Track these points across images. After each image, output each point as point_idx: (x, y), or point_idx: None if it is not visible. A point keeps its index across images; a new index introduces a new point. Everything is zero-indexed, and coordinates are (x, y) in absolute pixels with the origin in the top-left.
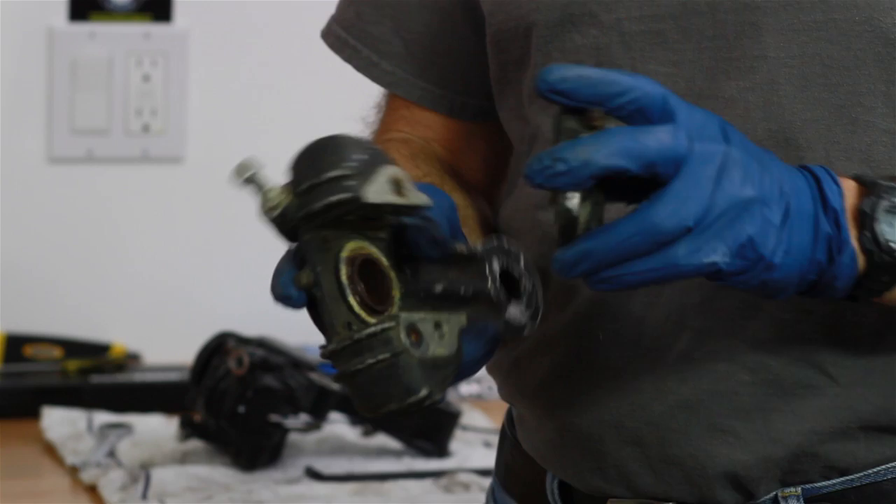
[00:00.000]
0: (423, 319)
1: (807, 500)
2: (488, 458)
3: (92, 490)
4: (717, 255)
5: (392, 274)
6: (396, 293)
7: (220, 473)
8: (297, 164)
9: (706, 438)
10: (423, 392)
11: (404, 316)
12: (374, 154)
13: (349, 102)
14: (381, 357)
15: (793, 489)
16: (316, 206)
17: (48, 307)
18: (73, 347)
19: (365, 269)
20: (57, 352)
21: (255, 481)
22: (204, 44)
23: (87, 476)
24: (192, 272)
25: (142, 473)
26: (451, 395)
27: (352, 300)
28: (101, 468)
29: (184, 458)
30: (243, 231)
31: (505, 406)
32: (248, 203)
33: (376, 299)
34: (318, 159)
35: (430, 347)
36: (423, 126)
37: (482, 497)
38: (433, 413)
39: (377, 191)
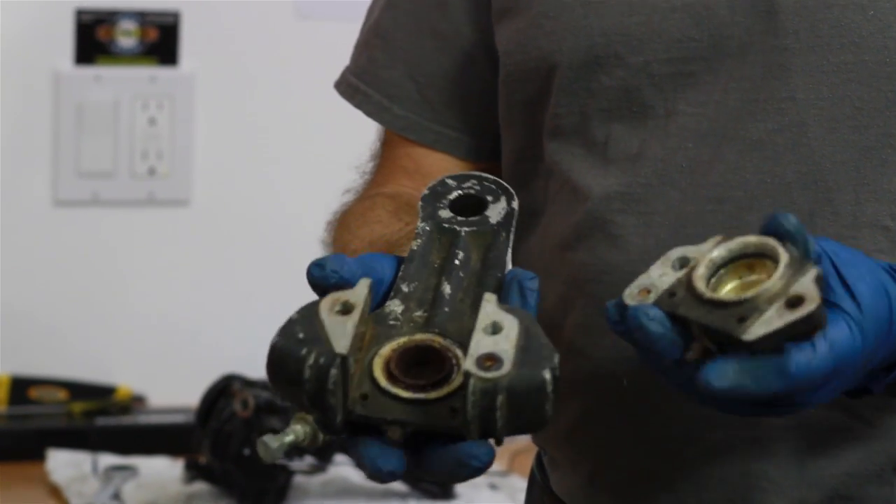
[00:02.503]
0: (478, 339)
1: None
2: (493, 500)
3: None
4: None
5: (421, 338)
6: (436, 340)
7: None
8: (279, 389)
9: (741, 484)
10: (547, 374)
11: (469, 361)
12: (303, 314)
13: (355, 146)
14: (499, 403)
15: None
16: (334, 403)
17: (54, 349)
18: (78, 390)
19: (411, 359)
20: (62, 394)
21: None
22: (210, 87)
23: None
24: (197, 314)
25: None
26: None
27: (435, 394)
28: None
29: (189, 501)
30: (248, 273)
31: (510, 448)
32: (253, 246)
33: (438, 367)
34: (284, 372)
35: (504, 350)
36: (423, 174)
37: None
38: None
39: (338, 334)
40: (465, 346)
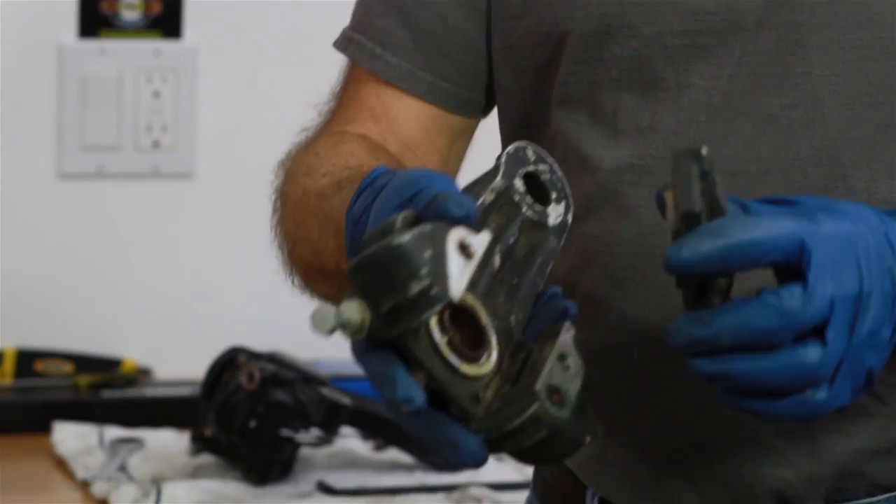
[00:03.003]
0: (551, 367)
1: None
2: (500, 473)
3: None
4: (846, 397)
5: (474, 304)
6: (483, 316)
7: (232, 488)
8: (365, 278)
9: (751, 458)
10: (588, 440)
11: (540, 385)
12: (434, 233)
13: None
14: (538, 436)
15: None
16: (413, 325)
17: (59, 322)
18: (83, 362)
19: (452, 315)
20: (68, 367)
21: (266, 496)
22: (214, 60)
23: (98, 490)
24: (202, 287)
25: (153, 488)
26: None
27: (466, 369)
28: (113, 483)
29: (195, 473)
30: (254, 246)
31: None
32: (258, 218)
33: (472, 338)
34: (390, 273)
35: (570, 391)
36: (390, 119)
37: None
38: None
39: (457, 277)
40: (496, 332)
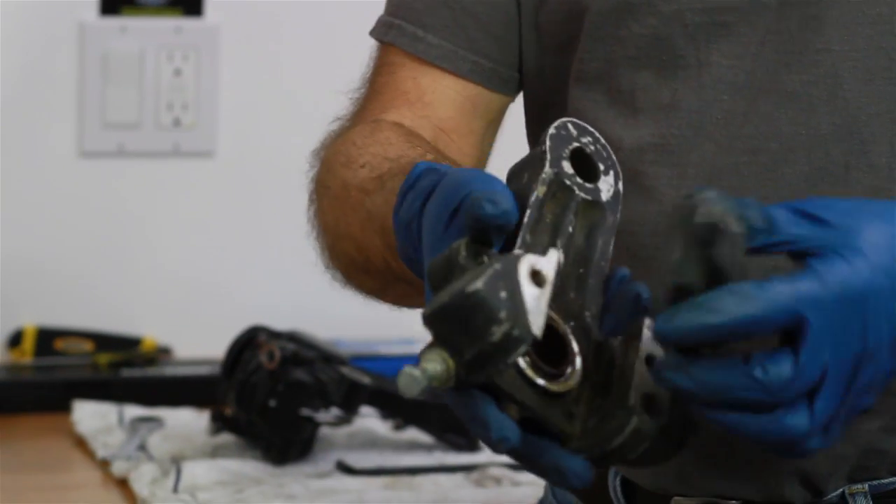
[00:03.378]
0: (640, 374)
1: (874, 496)
2: None
3: (123, 483)
4: (838, 433)
5: (552, 316)
6: (561, 325)
7: (251, 467)
8: (445, 329)
9: None
10: (689, 437)
11: (633, 398)
12: (505, 269)
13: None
14: (640, 448)
15: (860, 486)
16: (498, 370)
17: (79, 301)
18: (103, 341)
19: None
20: (88, 345)
21: (286, 475)
22: (235, 38)
23: (117, 469)
24: (223, 266)
25: (172, 467)
26: None
27: (556, 388)
28: (132, 462)
29: (215, 452)
30: (274, 225)
31: None
32: (279, 197)
33: (551, 348)
34: (469, 321)
35: (663, 395)
36: (425, 103)
37: (514, 491)
38: None
39: (535, 311)
40: (574, 335)
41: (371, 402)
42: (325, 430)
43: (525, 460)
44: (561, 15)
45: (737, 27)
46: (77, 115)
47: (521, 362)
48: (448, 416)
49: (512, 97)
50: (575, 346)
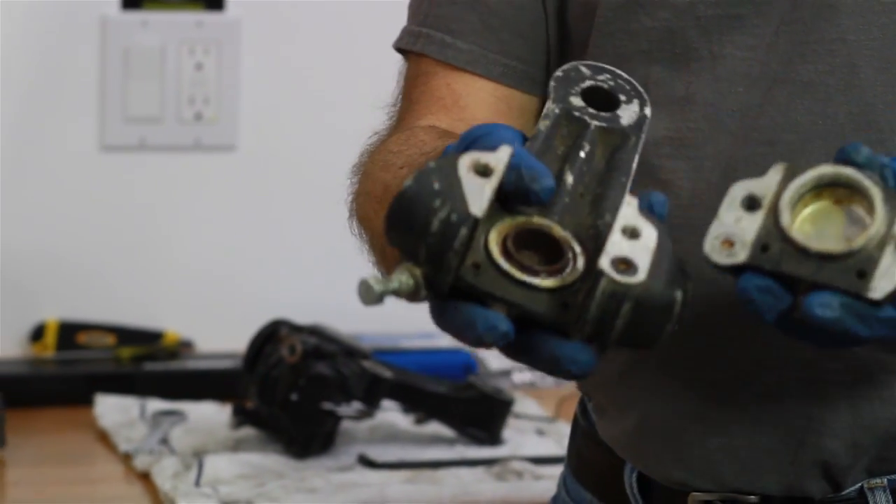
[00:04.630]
0: (615, 239)
1: (893, 490)
2: (541, 447)
3: (145, 477)
4: None
5: (541, 222)
6: (557, 229)
7: (273, 461)
8: (396, 236)
9: (795, 427)
10: (679, 296)
11: (604, 260)
12: (441, 164)
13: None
14: (623, 311)
15: (879, 480)
16: (451, 263)
17: (101, 295)
18: (126, 335)
19: (523, 240)
20: (110, 339)
21: (307, 469)
22: (256, 32)
23: (140, 463)
24: (244, 260)
25: (195, 461)
26: (504, 383)
27: (547, 283)
28: (154, 455)
29: (236, 446)
30: (296, 218)
31: (557, 394)
32: (300, 191)
33: (553, 252)
34: (409, 220)
35: (640, 257)
36: (461, 107)
37: (535, 485)
38: (486, 401)
39: (475, 195)
40: (581, 241)
41: (392, 396)
42: (346, 424)
43: (522, 355)
44: (580, 9)
45: (750, 18)
46: (98, 109)
47: (504, 264)
48: (470, 409)
49: (544, 98)
50: (577, 247)
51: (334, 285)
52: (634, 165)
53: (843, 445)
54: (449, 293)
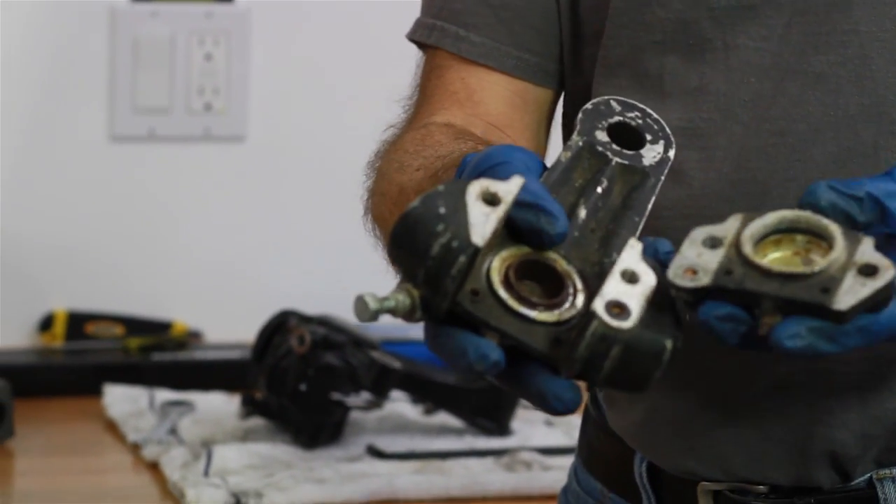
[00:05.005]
0: (611, 284)
1: None
2: (550, 437)
3: (153, 467)
4: None
5: (545, 256)
6: (561, 263)
7: (282, 451)
8: (397, 255)
9: (804, 418)
10: (668, 344)
11: (598, 302)
12: (449, 189)
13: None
14: (613, 354)
15: (888, 471)
16: (448, 288)
17: (110, 285)
18: (134, 325)
19: (524, 271)
20: (118, 329)
21: (316, 459)
22: (266, 22)
23: (148, 453)
24: (253, 250)
25: (203, 451)
26: None
27: (544, 317)
28: (163, 445)
29: (245, 436)
30: (305, 209)
31: None
32: (310, 182)
33: (551, 288)
34: (411, 242)
35: (633, 302)
36: (475, 102)
37: (544, 476)
38: (494, 391)
39: (479, 223)
40: (585, 278)
41: (401, 387)
42: (355, 415)
43: (511, 385)
44: (593, 1)
45: (763, 9)
46: (108, 99)
47: (503, 293)
48: (479, 400)
49: (560, 90)
50: (578, 284)
51: (343, 276)
52: (650, 206)
53: (852, 436)
54: (444, 318)
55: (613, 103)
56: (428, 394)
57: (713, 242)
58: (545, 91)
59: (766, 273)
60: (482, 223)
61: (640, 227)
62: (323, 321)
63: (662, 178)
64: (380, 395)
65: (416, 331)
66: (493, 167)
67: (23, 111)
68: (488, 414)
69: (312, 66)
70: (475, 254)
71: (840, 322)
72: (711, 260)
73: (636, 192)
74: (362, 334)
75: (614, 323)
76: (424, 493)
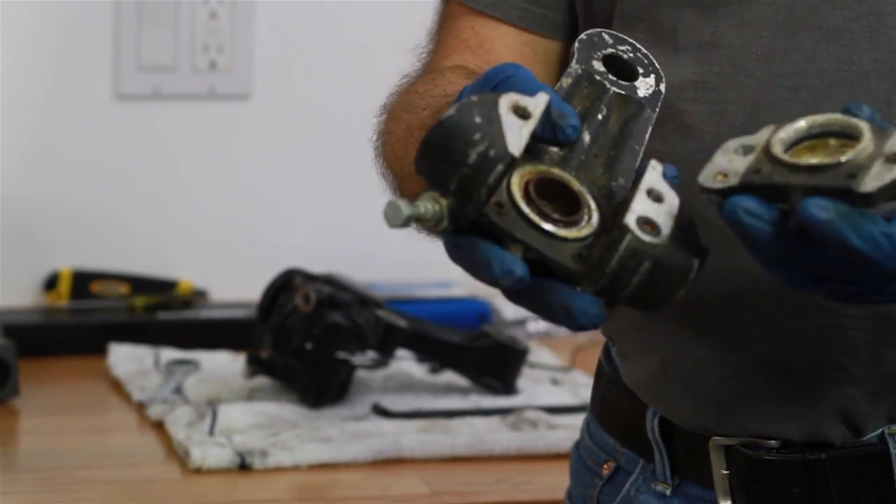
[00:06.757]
0: (639, 202)
1: None
2: (555, 396)
3: (159, 426)
4: None
5: (562, 174)
6: (575, 183)
7: (287, 410)
8: (428, 164)
9: (815, 374)
10: (696, 263)
11: (630, 217)
12: (482, 100)
13: (418, 35)
14: (642, 269)
15: None
16: (481, 197)
17: (115, 244)
18: (139, 284)
19: (540, 189)
20: (124, 288)
21: (321, 418)
22: None
23: (153, 412)
24: (258, 209)
25: (208, 410)
26: (519, 333)
27: (565, 233)
28: (168, 405)
29: (250, 395)
30: (310, 167)
31: (572, 343)
32: (315, 140)
33: (568, 205)
34: (445, 150)
35: (663, 220)
36: (486, 50)
37: (550, 434)
38: (500, 350)
39: (514, 134)
40: (595, 198)
41: (407, 345)
42: (361, 373)
43: (533, 301)
44: None
45: None
46: (113, 57)
47: (524, 206)
48: (485, 359)
49: (569, 42)
50: (592, 203)
51: (348, 234)
52: (647, 137)
53: (864, 392)
54: (469, 228)
55: (605, 35)
56: (434, 353)
57: (745, 150)
58: (553, 42)
59: (793, 167)
60: (516, 134)
61: (641, 155)
62: (328, 280)
63: (657, 110)
64: (385, 354)
65: (422, 289)
66: (507, 79)
67: (28, 70)
68: (494, 373)
69: (317, 23)
70: (511, 163)
71: (867, 205)
72: (741, 164)
73: (633, 122)
74: (368, 293)
75: (647, 238)
76: (430, 452)
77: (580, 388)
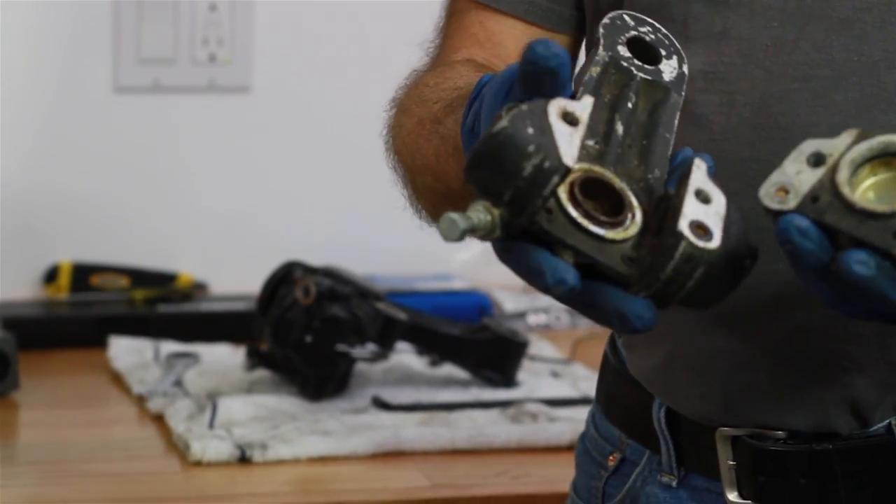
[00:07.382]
0: (690, 204)
1: None
2: (556, 389)
3: (159, 419)
4: None
5: (603, 172)
6: (616, 181)
7: (287, 403)
8: (480, 175)
9: (823, 364)
10: (748, 264)
11: (683, 223)
12: (532, 108)
13: (420, 29)
14: (697, 274)
15: None
16: (536, 208)
17: (115, 237)
18: (139, 277)
19: (584, 188)
20: (124, 281)
21: (321, 411)
22: None
23: (153, 405)
24: (258, 202)
25: (208, 403)
26: (519, 325)
27: (612, 234)
28: (168, 397)
29: (250, 388)
30: (310, 160)
31: (572, 336)
32: (314, 132)
33: (612, 207)
34: (499, 162)
35: (714, 222)
36: (494, 43)
37: (550, 427)
38: (501, 343)
39: (566, 144)
40: (635, 194)
41: (407, 338)
42: (360, 366)
43: (585, 306)
44: None
45: None
46: (112, 50)
47: (571, 211)
48: (485, 351)
49: (577, 36)
50: (633, 200)
51: (348, 227)
52: (675, 124)
53: (871, 382)
54: (521, 235)
55: (626, 17)
56: (434, 345)
57: (817, 160)
58: (562, 36)
59: (850, 207)
60: (568, 143)
61: (672, 143)
62: (328, 272)
63: (682, 93)
64: (385, 347)
65: (422, 282)
66: (547, 75)
67: (28, 63)
68: (494, 365)
69: (317, 15)
70: (566, 174)
71: None
72: (807, 181)
73: (661, 108)
74: (368, 285)
75: (700, 244)
76: (430, 444)
77: (580, 380)
